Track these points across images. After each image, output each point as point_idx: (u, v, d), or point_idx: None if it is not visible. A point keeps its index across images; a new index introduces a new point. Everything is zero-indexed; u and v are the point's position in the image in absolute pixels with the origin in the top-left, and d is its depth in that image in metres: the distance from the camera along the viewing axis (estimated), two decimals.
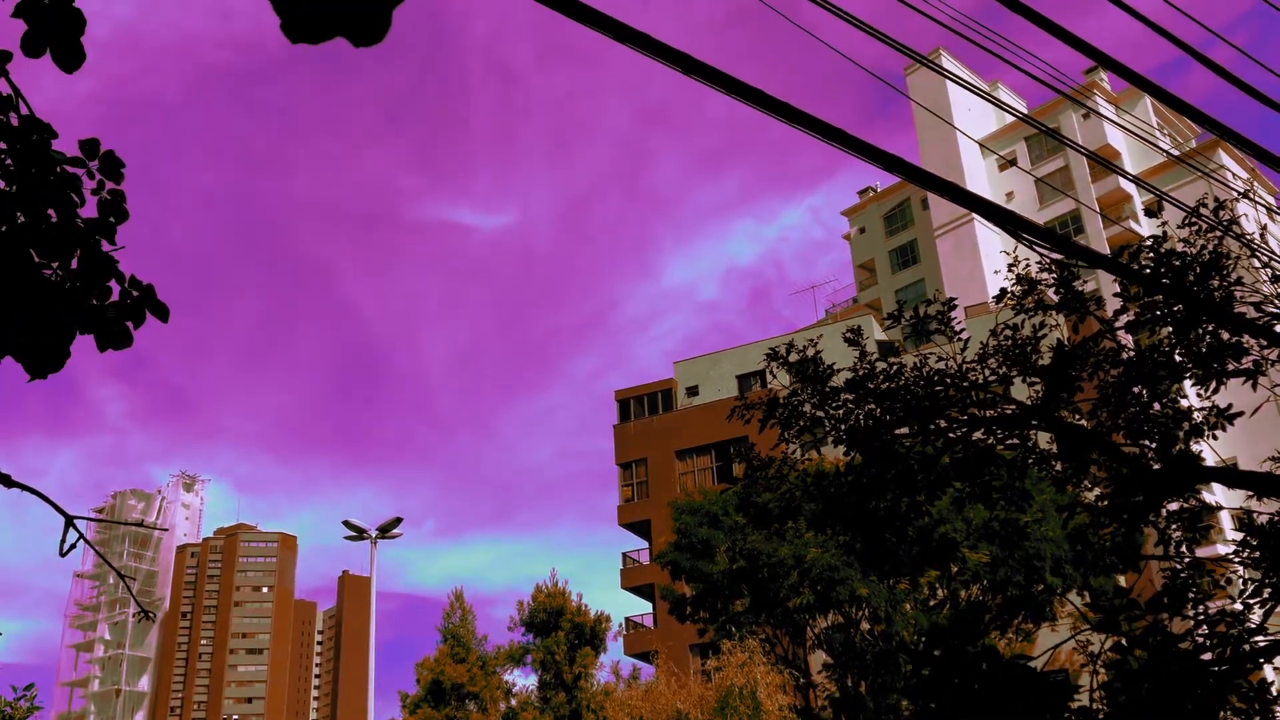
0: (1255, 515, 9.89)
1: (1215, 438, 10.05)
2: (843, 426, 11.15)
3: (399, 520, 31.98)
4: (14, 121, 3.03)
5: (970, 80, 69.43)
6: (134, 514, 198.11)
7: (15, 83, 3.08)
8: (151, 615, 6.54)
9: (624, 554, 57.70)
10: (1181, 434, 10.13)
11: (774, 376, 12.61)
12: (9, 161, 3.01)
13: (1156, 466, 10.03)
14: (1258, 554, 9.44)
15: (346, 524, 32.06)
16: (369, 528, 32.14)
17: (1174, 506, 10.45)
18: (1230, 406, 9.94)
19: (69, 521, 3.32)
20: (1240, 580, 10.04)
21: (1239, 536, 9.82)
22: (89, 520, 3.57)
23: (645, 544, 56.32)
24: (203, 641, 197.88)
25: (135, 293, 3.04)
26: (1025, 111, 73.39)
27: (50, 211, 2.91)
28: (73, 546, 3.37)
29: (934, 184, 5.87)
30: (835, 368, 11.47)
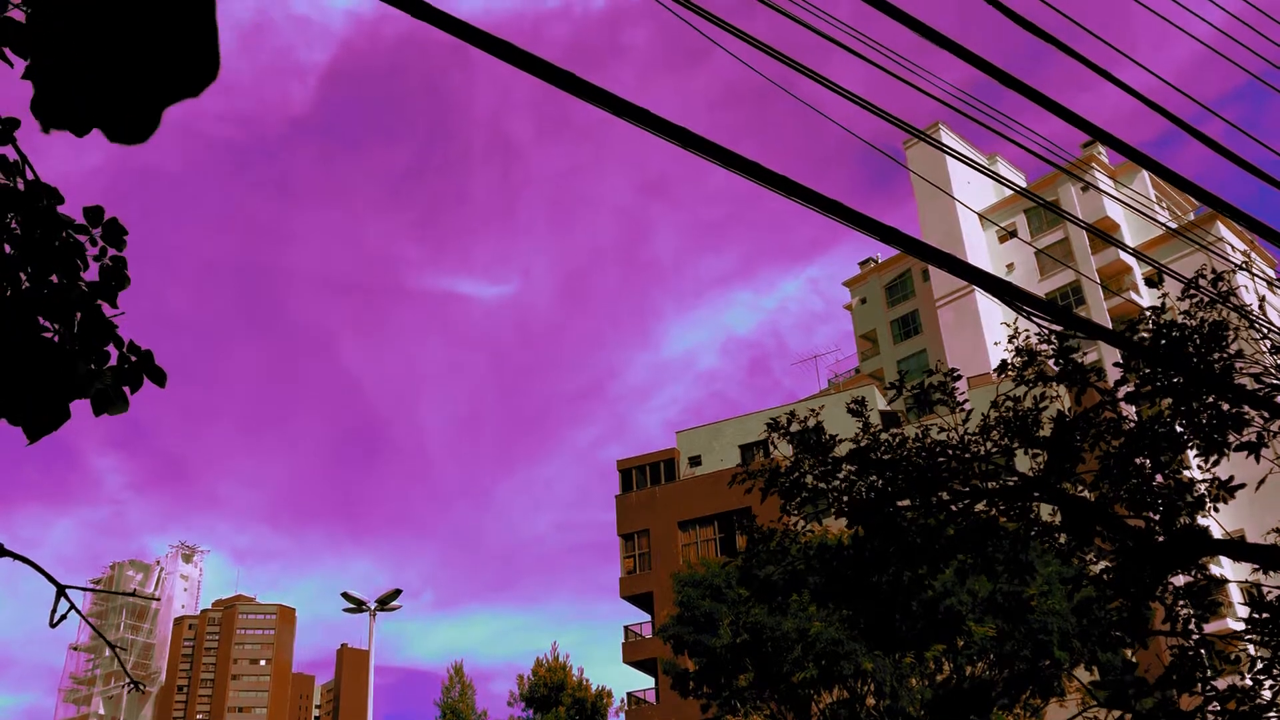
0: (1264, 590, 9.79)
1: (1218, 510, 9.98)
2: (845, 498, 11.09)
3: (398, 592, 31.68)
4: (20, 186, 3.08)
5: (969, 154, 70.26)
6: (132, 585, 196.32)
7: (23, 150, 3.13)
8: (142, 686, 6.40)
9: (626, 627, 56.93)
10: (1185, 506, 10.05)
11: (775, 447, 12.59)
12: (15, 226, 3.04)
13: (1161, 539, 9.95)
14: (1267, 629, 9.31)
15: (345, 596, 31.76)
16: (368, 600, 31.83)
17: (1181, 581, 10.34)
18: (1233, 479, 9.89)
19: (60, 591, 3.29)
20: (1250, 656, 9.88)
21: (1247, 612, 9.70)
22: (81, 590, 3.52)
23: (648, 616, 55.60)
24: (199, 715, 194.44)
25: (133, 358, 3.06)
26: (1025, 184, 74.17)
27: (53, 277, 2.94)
28: (63, 617, 3.32)
29: (933, 256, 5.91)
30: (837, 438, 11.45)
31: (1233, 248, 60.70)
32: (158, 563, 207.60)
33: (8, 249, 2.99)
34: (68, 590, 3.34)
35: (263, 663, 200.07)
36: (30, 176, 2.99)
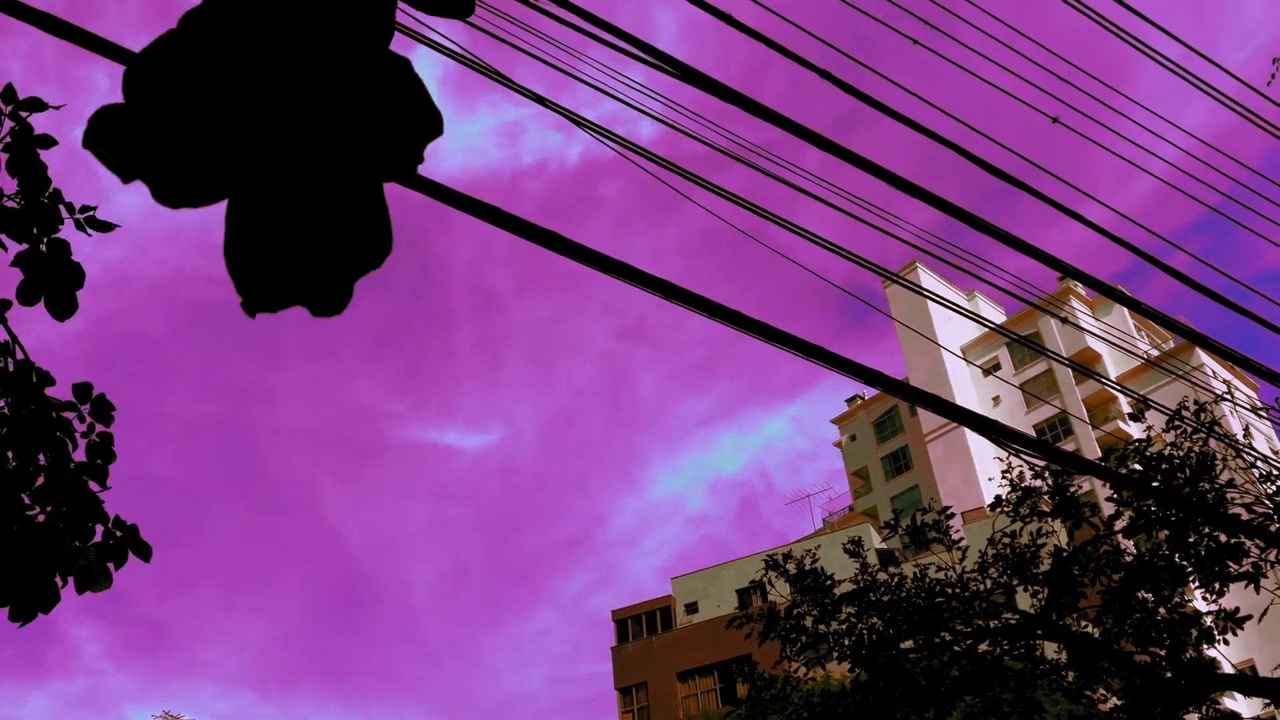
0: None
1: (1227, 642, 9.81)
2: (846, 641, 10.90)
3: None
4: (10, 367, 3.11)
5: (947, 291, 71.55)
6: None
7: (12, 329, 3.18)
8: None
9: None
10: (1192, 640, 9.89)
11: (772, 586, 12.41)
12: (4, 407, 3.06)
13: (1170, 675, 9.74)
14: None
15: None
16: None
17: (1194, 718, 10.09)
18: (1238, 610, 9.77)
19: None
20: None
21: None
22: None
23: None
24: None
25: (119, 533, 3.04)
26: (1005, 317, 75.29)
27: (41, 456, 2.95)
28: None
29: (917, 397, 5.95)
30: (835, 578, 11.33)
31: (1214, 374, 61.33)
32: None
33: None
34: None
35: None
36: (20, 356, 3.02)
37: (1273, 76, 10.37)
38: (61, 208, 3.71)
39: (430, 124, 1.10)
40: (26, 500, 2.97)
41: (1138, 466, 10.11)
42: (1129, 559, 10.41)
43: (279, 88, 1.08)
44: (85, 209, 3.83)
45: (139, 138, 1.06)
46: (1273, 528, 9.35)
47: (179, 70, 1.07)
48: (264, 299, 1.03)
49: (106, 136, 1.04)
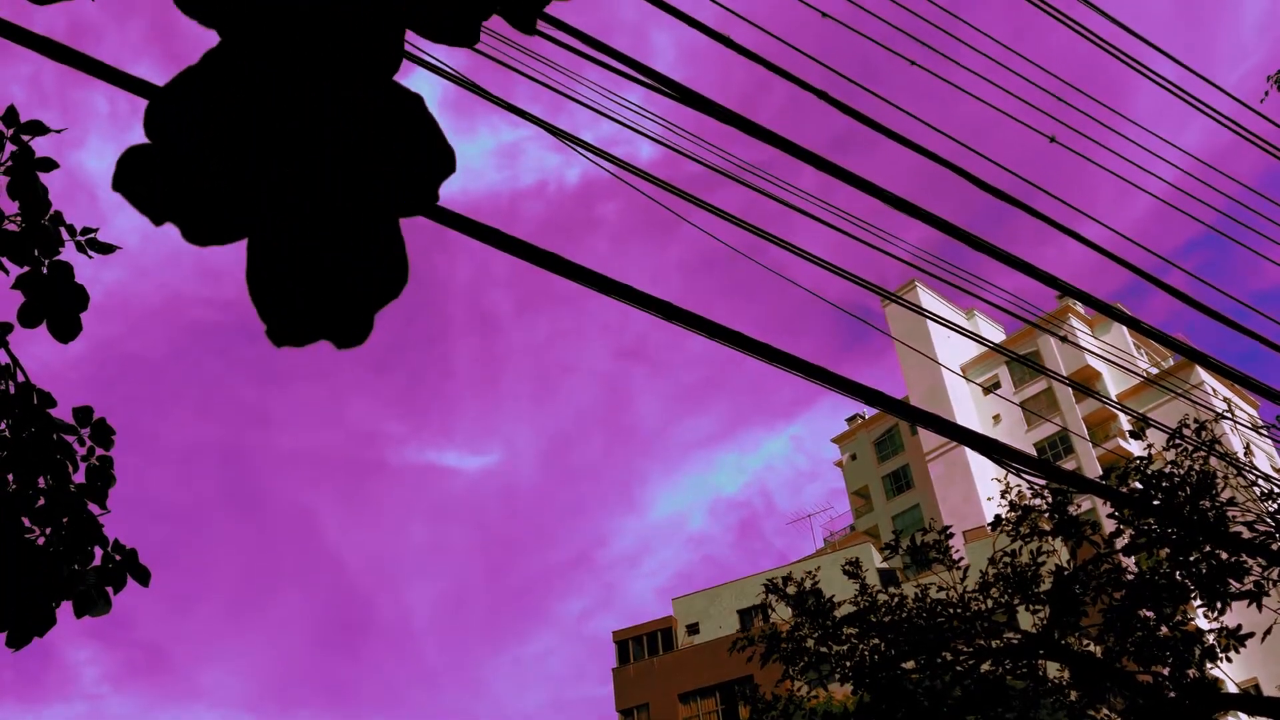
0: None
1: (1230, 660, 9.77)
2: (848, 662, 10.85)
3: None
4: (10, 390, 3.11)
5: (946, 309, 71.57)
6: None
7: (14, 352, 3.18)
8: None
9: None
10: (1195, 658, 9.85)
11: (774, 610, 12.37)
12: (4, 429, 3.06)
13: (1173, 694, 9.69)
14: None
15: None
16: None
17: None
18: (1240, 627, 9.73)
19: None
20: None
21: None
22: None
23: None
24: None
25: (118, 556, 3.03)
26: (1004, 335, 75.29)
27: (41, 479, 2.95)
28: None
29: (917, 417, 5.95)
30: (836, 599, 11.29)
31: (1214, 392, 61.26)
32: None
33: None
34: None
35: None
36: (21, 379, 3.03)
37: (1266, 94, 10.43)
38: (63, 230, 3.73)
39: (443, 162, 1.13)
40: (26, 523, 2.97)
41: (1138, 485, 10.09)
42: (1130, 577, 10.38)
43: (295, 124, 1.10)
44: (86, 231, 3.84)
45: (168, 179, 1.08)
46: (1274, 546, 9.33)
47: (201, 109, 1.09)
48: (290, 332, 1.05)
49: (136, 178, 1.06)
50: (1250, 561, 9.31)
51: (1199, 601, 9.80)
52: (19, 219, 3.50)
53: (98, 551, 3.08)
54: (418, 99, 1.13)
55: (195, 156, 1.07)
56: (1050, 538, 10.62)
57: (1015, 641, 10.37)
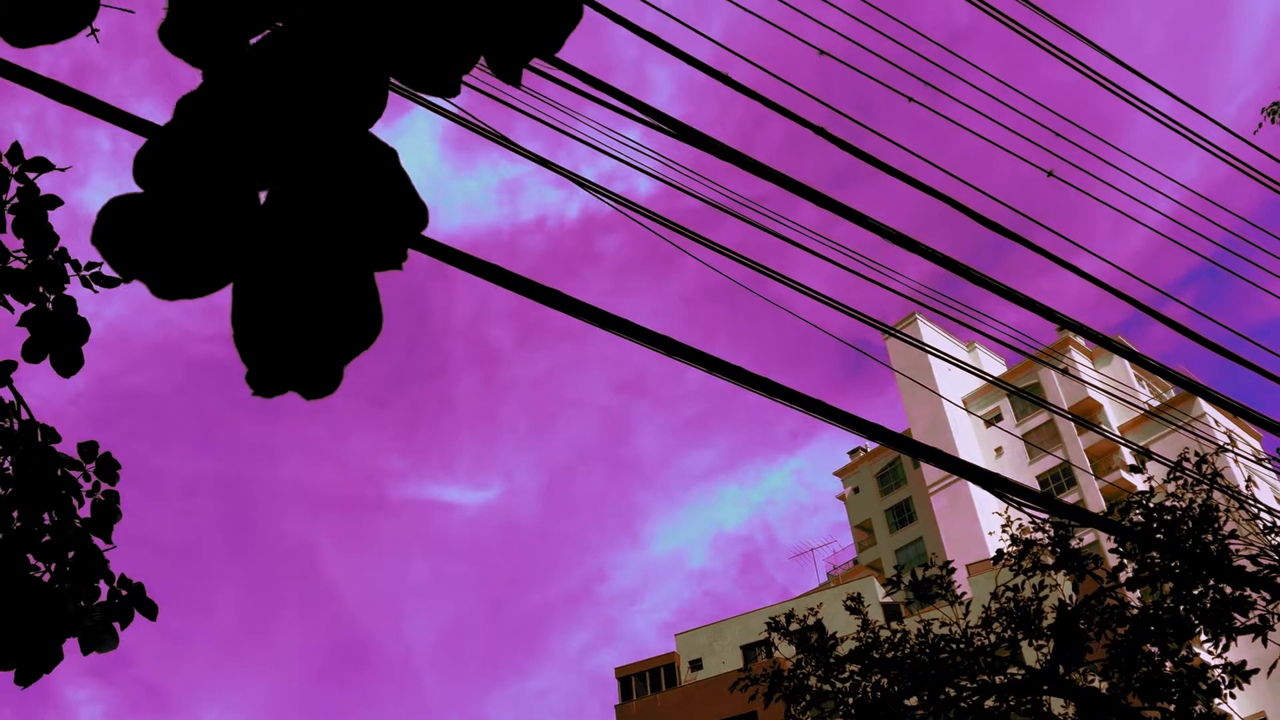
0: None
1: (1234, 696, 9.70)
2: (851, 699, 10.78)
3: None
4: (14, 427, 3.13)
5: (946, 342, 71.63)
6: None
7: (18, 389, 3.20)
8: None
9: None
10: (1200, 694, 9.77)
11: (776, 648, 12.31)
12: (8, 466, 3.07)
13: None
14: None
15: None
16: None
17: None
18: (1245, 662, 9.67)
19: None
20: None
21: None
22: None
23: None
24: None
25: (124, 591, 3.03)
26: (1006, 367, 75.28)
27: (45, 515, 2.96)
28: None
29: (919, 451, 5.96)
30: (839, 636, 11.23)
31: (1216, 424, 61.13)
32: None
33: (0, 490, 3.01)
34: None
35: None
36: (25, 416, 3.04)
37: (1259, 126, 10.52)
38: (67, 265, 3.76)
39: (414, 218, 1.14)
40: (31, 560, 2.97)
41: (1139, 518, 10.07)
42: (1134, 612, 10.32)
43: (268, 172, 1.12)
44: (91, 265, 3.88)
45: (141, 233, 1.10)
46: (1279, 579, 9.29)
47: (177, 159, 1.11)
48: (263, 383, 1.07)
49: (112, 232, 1.08)
50: (1254, 595, 9.26)
51: (1204, 636, 9.74)
52: (25, 255, 3.53)
53: (104, 587, 3.08)
54: (391, 153, 1.15)
55: (172, 206, 1.09)
56: (1053, 572, 10.58)
57: (1019, 677, 10.30)
